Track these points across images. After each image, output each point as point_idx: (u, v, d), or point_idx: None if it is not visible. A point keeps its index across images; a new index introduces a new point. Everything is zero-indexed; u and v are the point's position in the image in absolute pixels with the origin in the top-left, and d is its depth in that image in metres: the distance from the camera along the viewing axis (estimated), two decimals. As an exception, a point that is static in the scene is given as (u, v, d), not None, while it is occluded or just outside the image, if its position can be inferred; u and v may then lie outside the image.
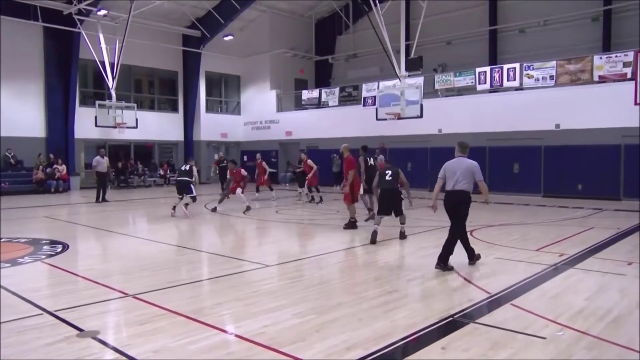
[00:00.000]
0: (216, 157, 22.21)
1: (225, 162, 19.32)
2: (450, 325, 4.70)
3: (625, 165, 16.60)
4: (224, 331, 4.63)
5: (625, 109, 16.24)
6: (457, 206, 6.98)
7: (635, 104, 16.05)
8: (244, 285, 6.35)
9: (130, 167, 24.97)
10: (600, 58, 17.24)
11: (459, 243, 7.16)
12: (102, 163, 17.31)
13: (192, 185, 13.66)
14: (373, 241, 9.14)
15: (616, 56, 16.94)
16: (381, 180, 9.50)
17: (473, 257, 7.33)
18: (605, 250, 8.53)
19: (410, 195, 9.81)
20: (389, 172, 9.43)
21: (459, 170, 7.01)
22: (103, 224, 12.22)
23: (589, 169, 17.19)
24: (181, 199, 13.68)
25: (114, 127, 22.75)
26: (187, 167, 13.99)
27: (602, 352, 4.08)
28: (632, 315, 4.95)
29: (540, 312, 5.02)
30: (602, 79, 17.12)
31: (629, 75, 16.42)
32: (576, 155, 17.51)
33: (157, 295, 5.78)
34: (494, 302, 5.49)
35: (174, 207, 13.57)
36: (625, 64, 16.52)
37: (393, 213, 9.42)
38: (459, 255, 7.16)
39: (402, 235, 9.64)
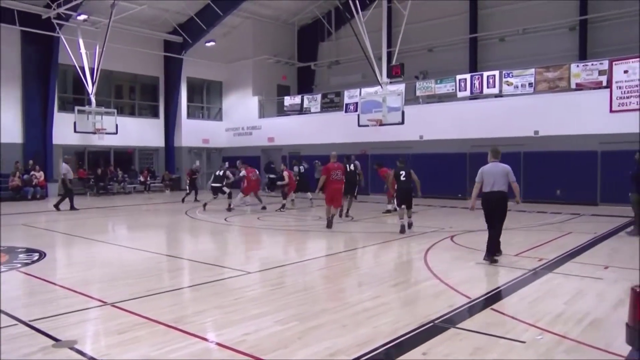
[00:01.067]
0: (195, 165, 21.94)
1: (197, 174, 19.71)
2: (431, 331, 4.72)
3: (602, 171, 16.90)
4: (205, 339, 4.58)
5: (602, 116, 16.60)
6: (497, 205, 7.84)
7: (611, 111, 16.43)
8: (226, 293, 6.30)
9: (110, 174, 24.65)
10: (577, 66, 17.59)
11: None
12: (70, 170, 17.13)
13: (224, 188, 16.17)
14: (403, 231, 11.00)
15: (592, 64, 17.29)
16: (397, 180, 11.38)
17: (499, 253, 8.06)
18: (583, 254, 8.66)
19: (420, 188, 11.74)
20: (403, 172, 11.37)
21: (495, 174, 7.84)
22: (82, 232, 12.03)
23: (567, 174, 17.47)
24: (215, 198, 16.19)
25: (94, 133, 22.48)
26: (221, 173, 16.28)
27: (581, 355, 4.13)
28: (609, 318, 5.02)
29: (520, 317, 5.07)
30: (579, 87, 17.45)
31: (604, 84, 16.78)
32: (555, 162, 17.78)
33: (137, 303, 5.70)
34: (475, 307, 5.54)
35: (205, 205, 16.12)
36: (600, 72, 16.88)
37: (405, 206, 11.34)
38: (442, 261, 7.19)
39: (410, 226, 11.42)
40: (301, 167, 19.00)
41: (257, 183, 16.96)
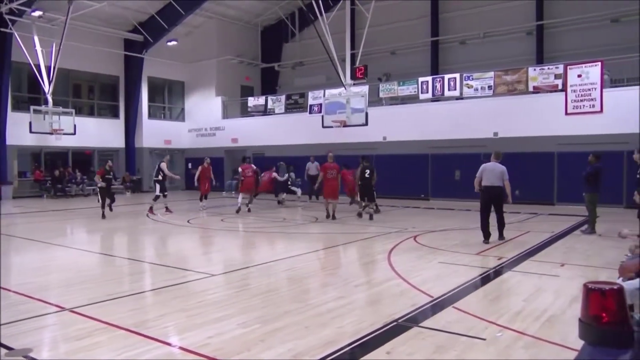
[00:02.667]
0: (108, 165, 16.22)
1: (112, 174, 16.07)
2: (395, 330, 4.77)
3: (559, 172, 17.46)
4: (168, 344, 4.50)
5: (558, 119, 17.14)
6: (495, 197, 9.59)
7: (566, 114, 16.99)
8: (188, 296, 6.20)
9: (67, 175, 23.94)
10: (534, 70, 18.11)
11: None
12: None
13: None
14: (360, 216, 14.01)
15: (548, 68, 17.85)
16: (362, 177, 13.65)
17: (502, 238, 9.80)
18: (540, 252, 8.92)
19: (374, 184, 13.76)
20: (368, 170, 13.62)
21: (494, 172, 9.54)
22: (38, 235, 11.64)
23: (525, 175, 17.93)
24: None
25: (50, 133, 21.82)
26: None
27: (538, 351, 4.26)
28: (565, 314, 5.19)
29: (481, 314, 5.18)
30: (537, 90, 17.97)
31: (559, 87, 17.34)
32: (514, 162, 18.11)
33: (97, 308, 5.54)
34: (437, 306, 5.62)
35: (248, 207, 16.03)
36: (556, 76, 17.43)
37: (366, 199, 13.78)
38: (405, 261, 7.26)
39: (371, 217, 13.57)
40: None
41: (252, 181, 16.24)
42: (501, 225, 9.84)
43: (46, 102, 21.83)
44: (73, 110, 23.15)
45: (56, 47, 20.97)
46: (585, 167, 11.12)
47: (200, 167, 17.20)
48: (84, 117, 24.81)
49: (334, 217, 13.72)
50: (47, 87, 21.51)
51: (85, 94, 27.00)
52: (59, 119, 21.99)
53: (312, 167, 19.85)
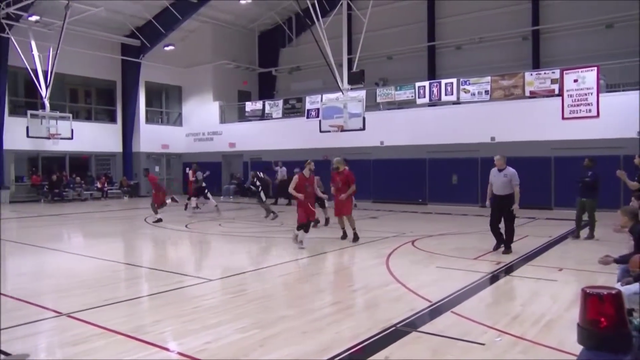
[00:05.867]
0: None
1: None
2: (393, 335, 4.76)
3: (556, 176, 17.50)
4: (165, 349, 4.48)
5: (555, 123, 17.20)
6: (504, 207, 9.44)
7: (563, 118, 17.04)
8: (185, 301, 6.18)
9: (65, 180, 23.88)
10: (531, 75, 18.18)
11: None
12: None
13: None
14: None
15: (545, 73, 17.92)
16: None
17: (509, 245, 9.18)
18: (538, 257, 8.93)
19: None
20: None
21: (500, 180, 9.69)
22: (35, 240, 11.58)
23: (522, 179, 17.72)
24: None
25: (48, 138, 21.76)
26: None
27: (536, 355, 4.25)
28: (562, 319, 5.19)
29: (479, 319, 5.17)
30: (533, 95, 18.03)
31: (556, 92, 17.40)
32: (511, 167, 18.25)
33: (93, 313, 5.52)
34: (435, 311, 5.62)
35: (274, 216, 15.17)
36: (553, 81, 17.50)
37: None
38: (403, 266, 7.26)
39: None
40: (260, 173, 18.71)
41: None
42: (509, 235, 9.21)
43: (43, 107, 21.78)
44: (70, 115, 23.13)
45: (53, 51, 20.95)
46: (580, 172, 11.13)
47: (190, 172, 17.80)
48: (81, 122, 24.80)
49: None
50: (44, 92, 21.47)
51: (82, 98, 26.98)
52: (56, 123, 21.94)
53: (280, 173, 20.01)
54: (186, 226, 13.81)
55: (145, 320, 5.40)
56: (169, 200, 15.34)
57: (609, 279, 6.17)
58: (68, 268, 8.54)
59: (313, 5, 16.82)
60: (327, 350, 4.35)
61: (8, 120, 22.06)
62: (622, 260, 5.51)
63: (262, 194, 15.50)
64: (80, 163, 25.99)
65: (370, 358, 4.22)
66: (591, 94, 16.54)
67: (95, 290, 6.75)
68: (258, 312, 5.60)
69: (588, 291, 2.30)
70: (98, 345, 4.50)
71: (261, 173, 16.62)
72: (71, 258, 9.50)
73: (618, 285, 4.60)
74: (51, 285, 7.21)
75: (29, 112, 21.56)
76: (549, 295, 6.19)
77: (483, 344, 4.46)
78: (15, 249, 10.81)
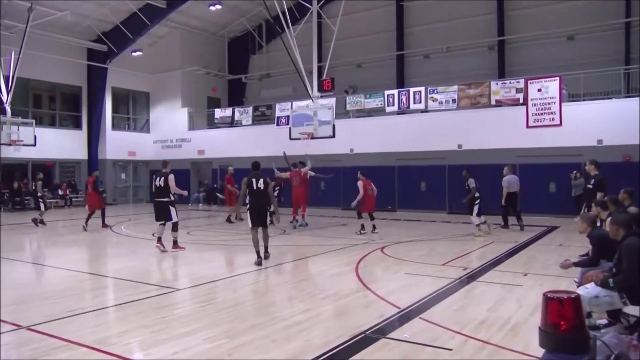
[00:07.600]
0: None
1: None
2: (362, 342, 4.78)
3: (521, 183, 17.84)
4: (130, 360, 4.39)
5: (519, 131, 17.62)
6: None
7: (527, 127, 17.47)
8: (153, 311, 6.06)
9: (26, 188, 23.18)
10: (497, 84, 18.58)
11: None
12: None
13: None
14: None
15: (510, 82, 18.35)
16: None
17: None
18: (504, 262, 9.11)
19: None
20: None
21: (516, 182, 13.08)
22: (-6, 250, 11.20)
23: (489, 186, 18.25)
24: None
25: (9, 144, 21.09)
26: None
27: (502, 358, 4.33)
28: (527, 323, 5.30)
29: (447, 324, 5.24)
30: (499, 103, 18.42)
31: (521, 101, 17.83)
32: (477, 174, 18.52)
33: (56, 325, 5.37)
34: (404, 317, 5.67)
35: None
36: (517, 90, 17.92)
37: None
38: (372, 273, 7.28)
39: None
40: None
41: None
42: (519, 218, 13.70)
43: (4, 112, 21.11)
44: (33, 121, 22.45)
45: (15, 55, 20.40)
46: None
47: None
48: (44, 128, 24.14)
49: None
50: (5, 97, 20.85)
51: (46, 104, 26.28)
52: (18, 129, 21.28)
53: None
54: (153, 234, 13.56)
55: (111, 332, 5.28)
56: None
57: (571, 283, 6.34)
58: (30, 278, 8.29)
59: (283, 12, 16.83)
60: (297, 358, 4.34)
61: (-33, 126, 21.34)
62: (580, 263, 5.74)
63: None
64: (44, 170, 25.21)
65: (340, 365, 4.23)
66: (554, 103, 17.01)
67: (58, 301, 6.57)
68: (227, 321, 5.55)
69: (549, 295, 2.36)
70: (60, 359, 4.37)
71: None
72: (33, 268, 9.23)
73: (578, 289, 4.74)
74: (11, 296, 6.96)
75: (-11, 117, 20.91)
76: (515, 300, 6.32)
77: (451, 349, 4.52)
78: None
